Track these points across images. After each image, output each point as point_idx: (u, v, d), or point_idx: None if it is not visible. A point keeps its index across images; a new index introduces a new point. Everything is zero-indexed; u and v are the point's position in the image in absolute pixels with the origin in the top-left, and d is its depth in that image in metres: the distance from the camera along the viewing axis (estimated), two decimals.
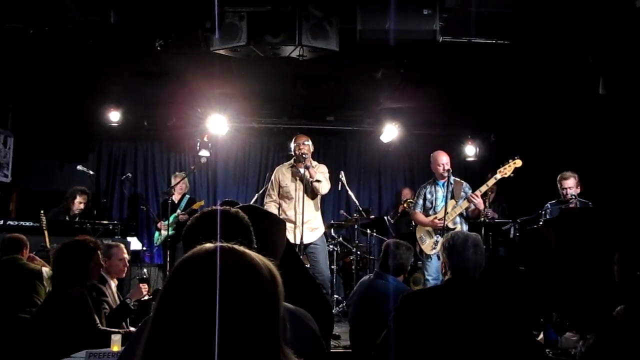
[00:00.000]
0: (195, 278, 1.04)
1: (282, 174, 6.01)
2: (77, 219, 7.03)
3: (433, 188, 6.06)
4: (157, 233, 8.02)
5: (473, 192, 5.89)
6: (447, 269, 2.81)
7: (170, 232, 7.38)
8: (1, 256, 4.71)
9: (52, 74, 6.95)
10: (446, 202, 5.77)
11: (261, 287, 1.07)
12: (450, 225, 5.71)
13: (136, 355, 1.06)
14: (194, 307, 1.01)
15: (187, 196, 8.05)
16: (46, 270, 4.56)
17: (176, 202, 7.81)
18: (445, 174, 5.86)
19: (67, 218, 6.95)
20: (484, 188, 5.86)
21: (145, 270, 4.54)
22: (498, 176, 5.80)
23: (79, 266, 3.52)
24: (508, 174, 5.80)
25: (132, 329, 3.97)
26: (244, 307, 1.03)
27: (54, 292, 3.54)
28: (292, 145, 6.01)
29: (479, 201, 5.74)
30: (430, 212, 6.00)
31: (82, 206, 7.18)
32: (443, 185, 5.94)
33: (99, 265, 3.74)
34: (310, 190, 5.87)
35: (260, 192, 6.81)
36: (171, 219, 7.42)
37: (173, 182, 7.95)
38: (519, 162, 5.79)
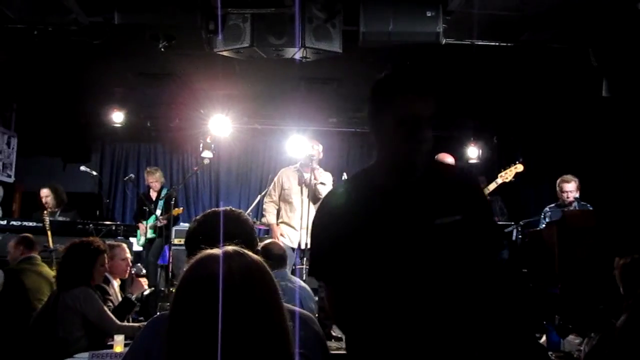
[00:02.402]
0: (208, 280, 1.05)
1: (287, 176, 5.99)
2: (58, 217, 6.95)
3: None
4: (138, 235, 7.70)
5: None
6: None
7: (150, 235, 7.35)
8: (18, 256, 4.74)
9: (56, 75, 6.96)
10: None
11: (270, 288, 1.09)
12: None
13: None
14: (207, 307, 1.02)
15: (165, 189, 7.81)
16: None
17: (153, 199, 7.67)
18: None
19: (46, 214, 6.42)
20: (485, 192, 5.85)
21: (140, 264, 4.58)
22: (499, 180, 5.85)
23: (84, 267, 3.53)
24: (509, 178, 5.85)
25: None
26: (257, 307, 1.05)
27: (58, 291, 3.54)
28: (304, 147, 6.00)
29: None
30: None
31: (48, 200, 6.99)
32: None
33: (104, 267, 3.76)
34: (312, 194, 5.85)
35: (263, 193, 6.80)
36: (151, 220, 7.39)
37: (148, 178, 7.76)
38: (520, 167, 5.85)
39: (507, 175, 5.85)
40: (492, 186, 5.90)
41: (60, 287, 3.55)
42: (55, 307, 3.41)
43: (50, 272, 4.69)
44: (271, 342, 1.05)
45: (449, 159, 5.96)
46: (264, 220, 6.08)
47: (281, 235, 5.76)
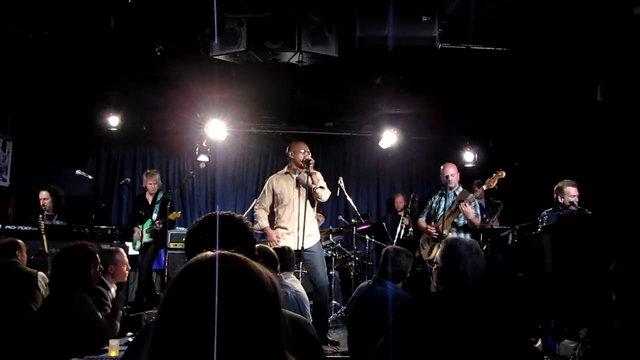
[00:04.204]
0: (197, 285, 1.05)
1: (277, 181, 5.96)
2: (55, 220, 6.96)
3: (440, 198, 6.47)
4: (134, 239, 7.61)
5: (474, 204, 6.30)
6: (446, 275, 2.80)
7: (147, 239, 7.34)
8: None
9: (52, 79, 6.95)
10: (436, 211, 6.28)
11: (264, 294, 1.07)
12: (446, 234, 5.95)
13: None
14: (197, 313, 1.01)
15: (161, 192, 7.80)
16: (42, 274, 4.50)
17: (150, 202, 7.64)
18: (451, 185, 6.34)
19: (42, 218, 6.46)
20: (471, 198, 6.25)
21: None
22: (484, 187, 6.27)
23: (80, 271, 3.51)
24: (493, 185, 6.29)
25: (129, 333, 3.97)
26: (246, 314, 1.04)
27: (52, 296, 3.52)
28: (293, 150, 5.95)
29: (465, 210, 6.15)
30: (432, 221, 6.43)
31: (46, 203, 6.99)
32: (449, 195, 6.32)
33: (100, 269, 3.74)
34: (310, 197, 5.84)
35: (259, 198, 6.80)
36: (147, 224, 7.37)
37: (147, 180, 7.75)
38: (502, 174, 6.23)
39: (491, 182, 6.26)
40: (477, 193, 6.36)
41: (55, 292, 3.53)
42: (51, 312, 3.39)
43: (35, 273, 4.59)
44: (263, 350, 1.04)
45: (449, 168, 6.43)
46: (256, 226, 6.07)
47: (278, 237, 5.76)
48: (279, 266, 4.10)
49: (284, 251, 5.08)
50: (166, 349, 1.02)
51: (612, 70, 5.61)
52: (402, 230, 7.88)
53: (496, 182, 6.24)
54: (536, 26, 5.11)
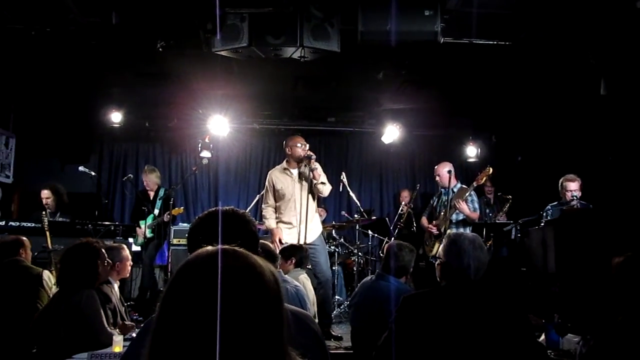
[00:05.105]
0: (198, 280, 1.04)
1: (276, 177, 5.94)
2: (59, 217, 6.96)
3: (440, 197, 6.69)
4: (137, 235, 7.53)
5: (471, 198, 6.47)
6: (449, 270, 2.79)
7: (149, 235, 7.34)
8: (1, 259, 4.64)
9: (54, 75, 6.96)
10: (436, 209, 6.52)
11: (265, 289, 1.07)
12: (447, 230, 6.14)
13: (141, 357, 1.06)
14: (197, 309, 1.01)
15: (163, 189, 7.77)
16: (47, 273, 4.51)
17: (151, 198, 7.64)
18: (443, 184, 6.54)
19: (45, 214, 6.22)
20: (465, 194, 6.45)
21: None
22: (475, 184, 6.42)
23: (88, 268, 3.52)
24: (481, 181, 6.46)
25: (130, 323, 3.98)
26: (247, 309, 1.03)
27: (61, 293, 3.53)
28: (290, 145, 5.93)
29: (461, 207, 6.32)
30: (433, 219, 6.66)
31: (49, 202, 7.02)
32: (447, 193, 6.47)
33: (107, 264, 3.76)
34: (312, 192, 5.83)
35: (262, 193, 6.79)
36: (149, 220, 7.37)
37: (143, 178, 7.75)
38: (489, 170, 6.37)
39: (480, 179, 6.40)
40: (470, 188, 6.46)
41: (63, 289, 3.54)
42: (59, 308, 3.40)
43: (39, 271, 4.59)
44: (265, 344, 1.04)
45: (442, 169, 6.58)
46: (264, 227, 6.08)
47: (280, 240, 5.74)
48: (279, 262, 4.10)
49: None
50: (167, 345, 1.02)
51: (615, 64, 5.59)
52: (402, 219, 7.93)
53: (484, 178, 6.40)
54: (539, 20, 5.09)
